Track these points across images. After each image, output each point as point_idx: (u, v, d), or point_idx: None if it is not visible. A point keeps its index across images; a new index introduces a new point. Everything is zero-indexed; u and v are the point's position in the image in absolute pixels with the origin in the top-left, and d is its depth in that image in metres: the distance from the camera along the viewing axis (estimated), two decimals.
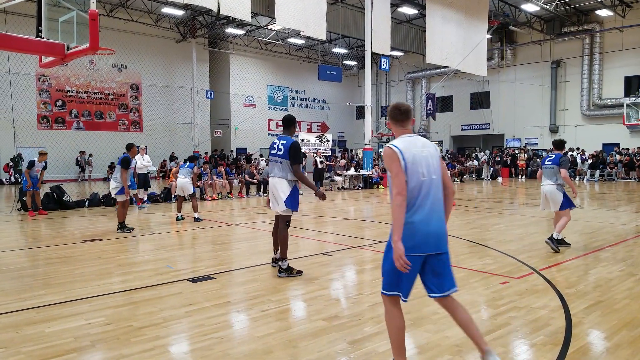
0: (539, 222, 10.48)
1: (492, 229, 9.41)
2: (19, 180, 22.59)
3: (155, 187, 13.83)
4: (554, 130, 29.97)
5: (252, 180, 17.51)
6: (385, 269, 3.07)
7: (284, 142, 5.77)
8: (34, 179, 11.84)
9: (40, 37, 6.28)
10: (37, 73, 24.92)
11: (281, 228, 5.82)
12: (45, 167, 12.23)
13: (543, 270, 5.97)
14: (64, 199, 13.04)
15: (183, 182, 10.77)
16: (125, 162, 9.13)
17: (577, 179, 24.75)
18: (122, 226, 9.16)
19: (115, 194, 9.34)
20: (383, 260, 3.09)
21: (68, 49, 6.14)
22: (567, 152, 28.98)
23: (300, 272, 5.82)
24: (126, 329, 4.04)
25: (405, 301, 3.08)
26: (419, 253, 2.96)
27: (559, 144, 7.45)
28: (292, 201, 5.72)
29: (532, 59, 30.53)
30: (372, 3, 19.51)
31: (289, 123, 5.96)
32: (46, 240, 8.71)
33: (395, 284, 3.04)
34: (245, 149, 33.41)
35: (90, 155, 26.62)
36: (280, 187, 5.72)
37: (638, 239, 8.26)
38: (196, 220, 10.57)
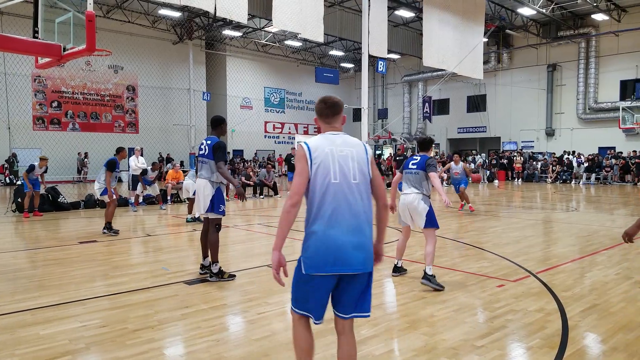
0: (536, 225, 10.51)
1: (488, 232, 9.42)
2: (14, 181, 22.50)
3: (150, 189, 13.75)
4: (550, 133, 30.09)
5: (248, 182, 17.47)
6: (293, 282, 2.65)
7: (209, 142, 5.71)
8: (34, 181, 11.75)
9: (37, 38, 6.25)
10: (32, 74, 24.84)
11: (211, 232, 5.66)
12: (45, 171, 12.12)
13: (539, 273, 5.98)
14: (59, 200, 12.98)
15: (188, 184, 11.14)
16: (111, 165, 9.16)
17: (573, 182, 24.84)
18: (109, 227, 9.15)
19: (100, 195, 9.51)
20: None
21: (64, 50, 6.12)
22: (435, 155, 29.09)
23: (233, 276, 5.68)
24: (121, 332, 4.01)
25: (317, 324, 2.66)
26: (327, 272, 2.48)
27: (424, 144, 5.94)
28: (216, 205, 5.61)
29: (528, 63, 30.66)
30: (369, 6, 19.53)
31: (216, 123, 5.86)
32: (41, 241, 8.66)
33: (302, 301, 2.61)
34: (242, 151, 33.40)
35: (86, 154, 26.52)
36: (204, 189, 5.65)
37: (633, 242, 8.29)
38: (194, 220, 10.61)
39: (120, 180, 13.01)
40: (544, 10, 24.44)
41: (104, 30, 23.10)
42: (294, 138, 33.06)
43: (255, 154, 34.05)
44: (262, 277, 5.88)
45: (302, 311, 2.63)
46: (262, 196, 17.51)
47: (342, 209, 2.51)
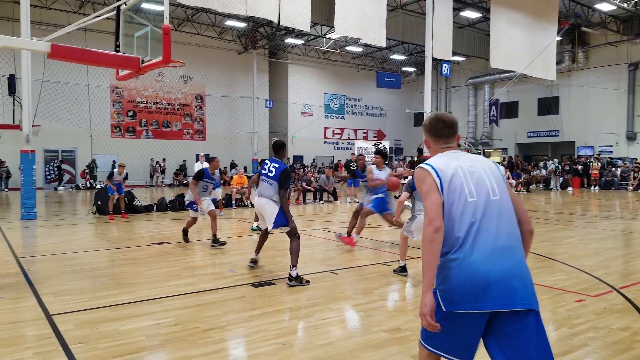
0: (616, 237, 9.84)
1: (564, 243, 8.92)
2: (94, 185, 24.10)
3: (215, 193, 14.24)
4: (631, 137, 28.06)
5: (309, 187, 17.65)
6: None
7: (276, 165, 6.12)
8: (117, 185, 12.44)
9: (118, 51, 6.68)
10: (111, 85, 26.54)
11: (292, 241, 5.97)
12: (126, 178, 12.80)
13: (623, 288, 5.56)
14: (134, 203, 13.72)
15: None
16: (197, 174, 8.43)
17: None
18: (215, 240, 8.33)
19: (185, 206, 8.88)
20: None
21: (142, 62, 6.49)
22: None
23: (308, 281, 5.83)
24: (193, 331, 4.16)
25: None
26: (475, 310, 2.02)
27: (278, 147, 6.00)
28: (282, 218, 5.99)
29: (606, 62, 28.79)
30: (433, 8, 19.21)
31: (280, 147, 6.33)
32: (118, 242, 9.20)
33: (439, 343, 2.16)
34: (302, 157, 33.82)
35: (164, 160, 28.03)
36: (268, 208, 6.09)
37: None
38: (259, 229, 10.32)
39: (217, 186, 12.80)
40: (625, 5, 22.92)
41: (175, 42, 24.00)
42: (353, 144, 33.06)
43: (314, 159, 34.35)
44: (324, 282, 5.91)
45: (438, 350, 2.21)
46: (322, 201, 17.63)
47: (490, 232, 2.10)
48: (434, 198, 2.13)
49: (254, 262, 6.61)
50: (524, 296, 2.01)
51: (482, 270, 2.01)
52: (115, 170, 12.47)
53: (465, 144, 30.74)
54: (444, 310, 2.09)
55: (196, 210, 8.40)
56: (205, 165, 14.25)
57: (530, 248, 2.33)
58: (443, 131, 2.39)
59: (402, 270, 6.27)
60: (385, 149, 7.93)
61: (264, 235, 6.66)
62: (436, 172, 2.19)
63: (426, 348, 2.22)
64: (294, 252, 5.83)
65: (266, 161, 6.30)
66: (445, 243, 2.10)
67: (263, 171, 6.24)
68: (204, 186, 8.45)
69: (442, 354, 2.17)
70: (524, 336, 2.00)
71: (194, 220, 8.56)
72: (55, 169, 26.20)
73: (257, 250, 6.65)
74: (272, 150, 6.64)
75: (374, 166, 8.14)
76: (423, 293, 2.08)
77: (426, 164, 2.27)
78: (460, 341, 2.11)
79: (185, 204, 8.78)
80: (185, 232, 8.55)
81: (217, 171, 8.76)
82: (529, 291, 2.04)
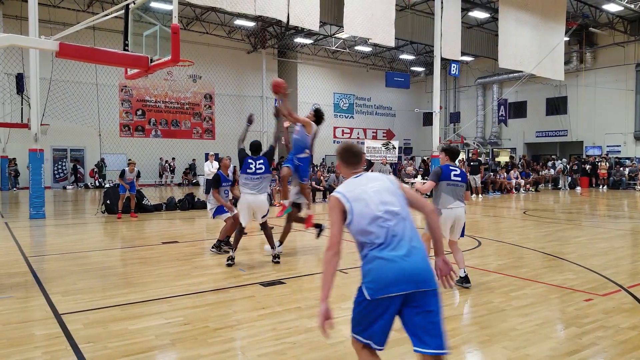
0: (625, 236, 9.76)
1: (572, 242, 8.86)
2: (103, 184, 24.26)
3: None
4: (639, 137, 27.85)
5: (318, 187, 17.65)
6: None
7: (261, 161, 6.88)
8: (130, 184, 12.50)
9: (127, 50, 6.70)
10: (120, 84, 26.68)
11: (269, 229, 7.05)
12: (138, 176, 12.87)
13: (632, 287, 5.54)
14: (143, 202, 13.79)
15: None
16: (214, 182, 7.88)
17: None
18: (219, 245, 7.81)
19: (213, 216, 8.20)
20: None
21: (151, 61, 6.51)
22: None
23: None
24: (203, 330, 4.18)
25: (381, 349, 2.57)
26: (392, 293, 2.44)
27: (258, 147, 7.25)
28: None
29: (614, 62, 28.59)
30: (442, 8, 19.15)
31: (259, 148, 7.16)
32: (128, 241, 9.25)
33: (364, 330, 2.55)
34: (311, 156, 33.80)
35: (173, 159, 28.16)
36: (265, 202, 6.91)
37: None
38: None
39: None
40: (632, 6, 22.72)
41: (184, 41, 24.13)
42: (363, 143, 32.98)
43: (324, 159, 34.35)
44: (335, 281, 5.90)
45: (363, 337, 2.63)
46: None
47: (399, 238, 2.53)
48: (337, 229, 2.60)
49: (233, 259, 6.76)
50: (427, 280, 2.47)
51: (396, 265, 2.44)
52: (127, 168, 12.54)
53: (474, 143, 30.58)
54: (368, 298, 2.47)
55: (227, 212, 7.97)
56: (215, 164, 14.35)
57: (437, 224, 2.82)
58: (351, 159, 2.86)
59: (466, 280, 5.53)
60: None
61: (242, 232, 6.99)
62: (345, 197, 2.62)
63: (355, 338, 2.58)
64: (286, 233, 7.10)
65: (249, 161, 6.80)
66: (365, 246, 2.57)
67: (249, 170, 6.72)
68: (225, 190, 8.13)
69: (366, 340, 2.54)
70: (426, 310, 2.49)
71: (234, 221, 7.56)
72: (64, 167, 26.43)
73: (235, 248, 6.92)
74: (250, 150, 7.21)
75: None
76: (321, 302, 2.54)
77: (337, 192, 2.69)
78: (378, 326, 2.48)
79: (213, 214, 8.15)
80: (227, 239, 7.92)
81: (230, 170, 8.41)
82: (430, 276, 2.49)
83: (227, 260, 6.70)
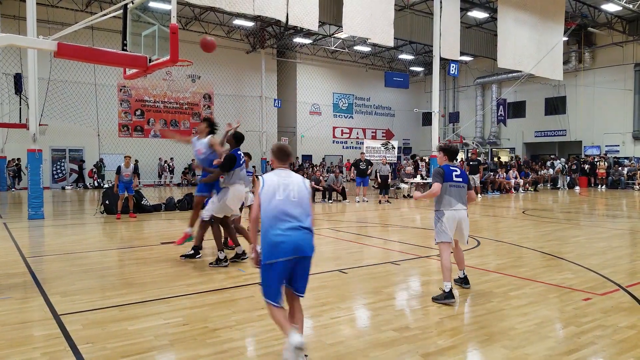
0: (623, 236, 9.78)
1: (571, 242, 8.87)
2: (101, 185, 24.25)
3: None
4: (637, 137, 27.89)
5: (317, 187, 17.65)
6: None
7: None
8: (127, 184, 12.43)
9: (126, 50, 6.69)
10: (118, 84, 26.65)
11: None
12: (136, 171, 12.76)
13: (630, 287, 5.54)
14: (142, 203, 13.78)
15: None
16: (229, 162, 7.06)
17: None
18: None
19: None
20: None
21: (150, 61, 6.49)
22: (511, 159, 26.84)
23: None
24: (202, 330, 4.18)
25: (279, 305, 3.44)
26: (280, 258, 3.35)
27: (454, 152, 5.54)
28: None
29: (613, 62, 28.63)
30: (441, 8, 19.17)
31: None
32: (127, 242, 9.24)
33: (266, 292, 3.47)
34: (311, 156, 33.83)
35: (172, 159, 28.13)
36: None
37: None
38: None
39: None
40: (630, 6, 22.75)
41: (183, 41, 24.07)
42: (362, 143, 33.00)
43: (323, 159, 34.37)
44: (334, 281, 5.91)
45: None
46: (330, 201, 17.64)
47: (285, 217, 3.42)
48: (258, 202, 3.49)
49: (226, 259, 6.80)
50: (305, 249, 3.41)
51: (286, 238, 3.35)
52: (122, 164, 12.39)
53: (473, 143, 30.61)
54: (264, 262, 3.40)
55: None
56: None
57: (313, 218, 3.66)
58: (282, 157, 3.70)
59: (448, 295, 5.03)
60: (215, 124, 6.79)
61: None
62: (264, 181, 3.54)
63: (265, 301, 3.45)
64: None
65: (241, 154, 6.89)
66: (265, 222, 3.42)
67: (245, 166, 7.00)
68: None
69: (270, 301, 3.41)
70: (302, 272, 3.48)
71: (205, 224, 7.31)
72: (63, 168, 26.40)
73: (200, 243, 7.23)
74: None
75: (195, 137, 7.15)
76: (252, 249, 3.53)
77: (261, 176, 3.64)
78: (274, 286, 3.40)
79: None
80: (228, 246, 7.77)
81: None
82: (309, 247, 3.44)
83: (223, 263, 6.69)
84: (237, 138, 6.89)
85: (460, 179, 5.25)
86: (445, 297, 4.95)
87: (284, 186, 3.50)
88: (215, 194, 6.90)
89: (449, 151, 5.37)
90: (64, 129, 23.86)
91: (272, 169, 3.72)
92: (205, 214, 6.88)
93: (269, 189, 3.47)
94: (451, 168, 5.27)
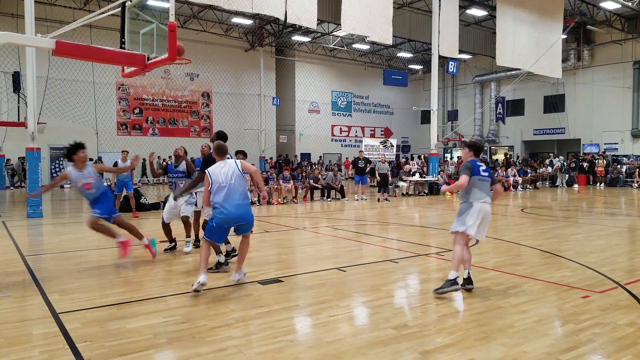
0: (622, 233, 9.79)
1: (569, 240, 8.89)
2: None
3: None
4: (636, 134, 27.93)
5: (316, 185, 17.65)
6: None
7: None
8: (126, 182, 12.37)
9: (124, 48, 6.68)
10: (117, 82, 26.60)
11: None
12: (132, 168, 12.71)
13: (628, 284, 5.55)
14: (140, 201, 13.76)
15: None
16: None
17: None
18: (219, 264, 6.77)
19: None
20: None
21: (148, 59, 6.48)
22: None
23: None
24: (200, 328, 4.18)
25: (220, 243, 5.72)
26: (227, 225, 5.37)
27: (478, 148, 5.60)
28: None
29: (611, 60, 28.64)
30: (439, 6, 19.16)
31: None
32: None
33: (212, 237, 5.39)
34: (309, 154, 33.81)
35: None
36: None
37: None
38: None
39: None
40: (629, 4, 22.76)
41: (181, 39, 23.95)
42: (360, 141, 33.02)
43: (322, 157, 34.34)
44: (332, 279, 5.91)
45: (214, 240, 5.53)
46: (329, 199, 17.64)
47: (228, 196, 5.27)
48: (206, 191, 5.36)
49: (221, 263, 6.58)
50: (247, 218, 5.39)
51: (230, 212, 5.26)
52: (119, 159, 12.39)
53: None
54: (215, 225, 5.30)
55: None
56: None
57: (259, 177, 5.65)
58: (221, 153, 5.56)
59: (453, 284, 5.13)
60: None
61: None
62: (209, 173, 5.35)
63: (207, 239, 5.41)
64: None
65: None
66: (214, 201, 5.29)
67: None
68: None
69: (214, 241, 5.44)
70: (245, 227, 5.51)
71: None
72: (61, 166, 26.33)
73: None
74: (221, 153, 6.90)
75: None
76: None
77: (207, 170, 5.44)
78: (222, 235, 5.47)
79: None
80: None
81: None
82: (249, 218, 5.43)
83: (224, 266, 6.59)
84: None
85: (487, 174, 5.41)
86: (451, 285, 5.07)
87: (224, 175, 5.29)
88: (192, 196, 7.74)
89: (475, 147, 5.57)
90: (62, 127, 23.80)
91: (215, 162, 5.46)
92: (207, 213, 6.88)
93: (216, 179, 5.32)
94: (478, 163, 5.43)
